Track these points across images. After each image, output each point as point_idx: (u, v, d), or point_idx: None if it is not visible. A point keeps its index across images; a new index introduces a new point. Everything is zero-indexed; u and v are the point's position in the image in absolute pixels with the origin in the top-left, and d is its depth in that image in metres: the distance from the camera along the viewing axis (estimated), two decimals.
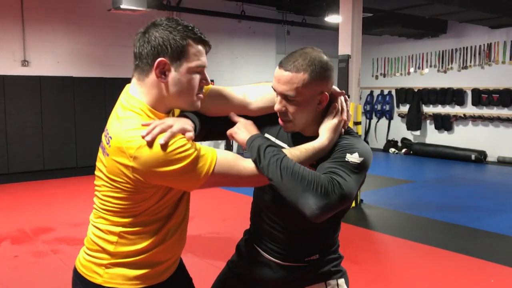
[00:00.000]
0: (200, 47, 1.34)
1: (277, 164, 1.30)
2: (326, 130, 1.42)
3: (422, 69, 10.69)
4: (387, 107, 11.33)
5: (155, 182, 1.28)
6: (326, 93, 1.42)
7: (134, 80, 1.37)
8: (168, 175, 1.25)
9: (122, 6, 6.39)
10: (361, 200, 6.01)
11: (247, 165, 1.35)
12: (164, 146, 1.23)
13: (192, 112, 1.45)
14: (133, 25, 8.28)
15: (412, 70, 10.90)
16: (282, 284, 1.58)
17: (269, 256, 1.58)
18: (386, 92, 11.40)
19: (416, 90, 10.68)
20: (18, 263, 3.95)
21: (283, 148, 1.45)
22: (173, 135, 1.26)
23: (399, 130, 11.16)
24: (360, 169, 1.36)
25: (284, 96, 1.40)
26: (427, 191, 7.06)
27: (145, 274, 1.38)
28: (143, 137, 1.23)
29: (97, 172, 1.39)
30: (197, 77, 1.34)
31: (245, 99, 1.52)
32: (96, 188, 1.40)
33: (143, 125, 1.26)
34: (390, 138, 11.32)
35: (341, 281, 1.59)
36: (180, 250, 1.51)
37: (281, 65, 1.40)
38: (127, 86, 1.41)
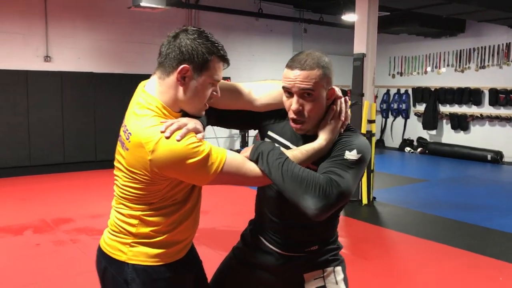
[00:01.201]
0: (221, 64, 1.47)
1: (279, 167, 1.40)
2: (324, 131, 1.52)
3: (439, 68, 10.64)
4: (403, 106, 11.31)
5: (170, 175, 1.40)
6: (333, 87, 1.53)
7: (155, 77, 1.48)
8: (182, 168, 1.37)
9: (142, 4, 6.54)
10: (374, 198, 6.06)
11: (254, 167, 1.46)
12: (180, 141, 1.35)
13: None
14: (153, 23, 8.45)
15: (429, 69, 10.85)
16: (283, 271, 1.67)
17: (271, 246, 1.68)
18: (402, 91, 11.38)
19: (433, 90, 10.64)
20: (39, 251, 4.13)
21: (287, 149, 1.54)
22: (188, 132, 1.38)
23: (415, 129, 11.13)
24: (358, 164, 1.46)
25: (302, 94, 1.47)
26: (441, 190, 7.09)
27: (165, 252, 1.51)
28: (161, 132, 1.35)
29: (116, 164, 1.51)
30: (210, 89, 1.47)
31: (251, 95, 1.63)
32: (116, 178, 1.53)
33: (161, 122, 1.38)
34: (406, 137, 11.30)
35: (338, 268, 1.67)
36: (195, 231, 1.63)
37: (293, 66, 1.49)
38: (142, 83, 1.53)
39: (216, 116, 1.64)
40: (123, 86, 8.07)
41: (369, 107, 5.94)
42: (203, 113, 1.52)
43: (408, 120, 11.30)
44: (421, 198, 6.54)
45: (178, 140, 1.35)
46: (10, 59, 7.42)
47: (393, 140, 11.58)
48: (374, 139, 6.04)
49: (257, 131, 1.74)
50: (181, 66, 1.40)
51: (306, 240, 1.65)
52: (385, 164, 9.25)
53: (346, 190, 1.40)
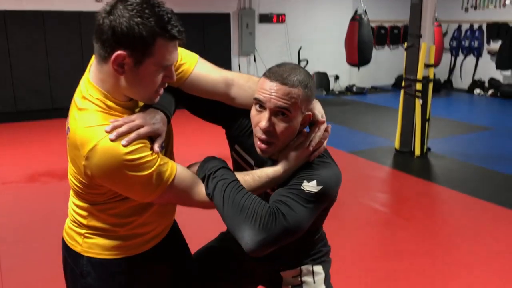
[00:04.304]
0: (170, 45, 1.17)
1: (221, 189, 1.24)
2: (285, 158, 1.31)
3: None
4: (475, 44, 10.32)
5: (106, 185, 1.21)
6: (310, 113, 1.32)
7: (94, 63, 1.24)
8: (119, 181, 1.18)
9: None
10: (428, 149, 5.65)
11: (201, 190, 1.29)
12: (124, 150, 1.13)
13: (170, 90, 1.35)
14: None
15: (508, 1, 9.71)
16: (259, 265, 1.56)
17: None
18: (476, 26, 10.34)
19: (510, 25, 9.57)
20: None
21: (250, 167, 1.40)
22: (138, 138, 1.16)
23: (488, 69, 10.17)
24: (316, 198, 1.25)
25: (276, 112, 1.26)
26: (507, 141, 6.42)
27: (123, 245, 1.35)
28: (106, 132, 1.14)
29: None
30: (160, 74, 1.20)
31: (228, 93, 1.41)
32: None
33: (111, 122, 1.17)
34: (476, 78, 10.41)
35: (318, 268, 1.53)
36: (165, 222, 1.45)
37: (272, 78, 1.26)
38: (89, 65, 1.29)
39: (186, 99, 1.43)
40: None
41: (427, 50, 5.39)
42: (157, 100, 1.26)
43: (480, 59, 10.34)
44: (483, 150, 6.00)
45: (124, 145, 1.13)
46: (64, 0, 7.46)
47: (462, 80, 10.72)
48: (431, 86, 5.53)
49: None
50: (115, 53, 1.12)
51: (277, 258, 1.47)
52: (448, 108, 8.63)
53: (293, 226, 1.21)
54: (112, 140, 1.13)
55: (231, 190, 1.22)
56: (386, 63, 10.87)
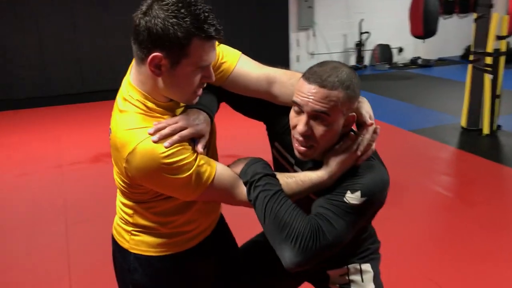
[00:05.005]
0: (206, 45, 1.14)
1: (263, 202, 1.20)
2: (330, 162, 1.26)
3: None
4: None
5: (146, 186, 1.23)
6: (354, 114, 1.26)
7: (134, 64, 1.24)
8: (159, 182, 1.19)
9: None
10: (499, 126, 5.30)
11: (242, 191, 1.27)
12: (162, 154, 1.13)
13: (212, 88, 1.34)
14: None
15: None
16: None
17: None
18: None
19: None
20: None
21: (291, 166, 1.37)
22: (180, 140, 1.16)
23: None
24: (359, 210, 1.20)
25: (314, 116, 1.21)
26: None
27: (168, 242, 1.36)
28: (150, 134, 1.15)
29: None
30: (198, 75, 1.18)
31: (270, 91, 1.38)
32: None
33: (154, 124, 1.17)
34: None
35: (366, 266, 1.48)
36: (209, 219, 1.45)
37: (311, 79, 1.20)
38: (130, 66, 1.29)
39: (227, 96, 1.41)
40: None
41: (499, 21, 5.00)
42: (195, 101, 1.25)
43: None
44: None
45: (167, 147, 1.14)
46: None
47: None
48: (503, 60, 5.14)
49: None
50: (152, 55, 1.12)
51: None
52: None
53: (333, 243, 1.18)
54: (155, 142, 1.13)
55: (273, 204, 1.19)
56: (454, 33, 10.24)
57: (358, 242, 1.47)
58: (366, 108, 1.30)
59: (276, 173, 1.28)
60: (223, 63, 1.33)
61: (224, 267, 1.55)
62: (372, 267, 1.49)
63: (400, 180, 3.90)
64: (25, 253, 3.14)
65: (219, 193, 1.25)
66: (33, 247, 3.21)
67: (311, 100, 1.18)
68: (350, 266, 1.47)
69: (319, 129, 1.21)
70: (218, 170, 1.23)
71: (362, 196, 1.18)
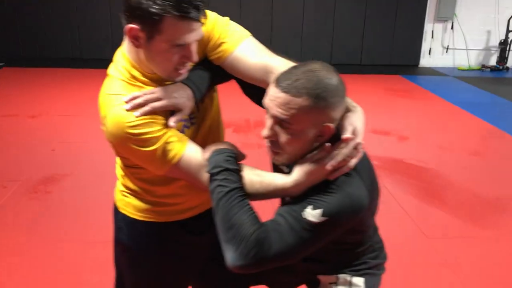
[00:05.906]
0: (181, 25, 1.11)
1: (217, 197, 1.17)
2: (298, 170, 1.17)
3: None
4: None
5: (121, 152, 1.26)
6: (331, 124, 1.14)
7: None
8: (127, 152, 1.21)
9: None
10: None
11: (207, 178, 1.24)
12: (128, 124, 1.15)
13: (207, 65, 1.32)
14: None
15: None
16: (299, 262, 1.44)
17: None
18: None
19: None
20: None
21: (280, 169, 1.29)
22: (151, 111, 1.16)
23: None
24: (317, 229, 1.13)
25: (277, 121, 1.15)
26: None
27: (153, 209, 1.40)
28: (124, 101, 1.16)
29: None
30: (175, 53, 1.16)
31: (266, 80, 1.29)
32: None
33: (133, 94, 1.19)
34: None
35: (358, 279, 1.37)
36: (201, 197, 1.41)
37: (278, 82, 1.13)
38: None
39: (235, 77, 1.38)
40: None
41: None
42: (179, 79, 1.24)
43: None
44: None
45: (137, 117, 1.15)
46: None
47: None
48: None
49: None
50: (130, 26, 1.12)
51: (317, 260, 1.38)
52: None
53: (280, 255, 1.13)
54: (127, 110, 1.15)
55: (225, 202, 1.15)
56: None
57: (354, 255, 1.38)
58: (352, 120, 1.19)
59: (246, 168, 1.23)
60: (222, 43, 1.30)
61: (219, 250, 1.46)
62: (366, 283, 1.38)
63: (501, 200, 3.27)
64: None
65: (185, 174, 1.24)
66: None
67: (272, 105, 1.13)
68: (341, 276, 1.38)
69: (283, 136, 1.16)
70: (187, 151, 1.22)
71: (323, 215, 1.11)
